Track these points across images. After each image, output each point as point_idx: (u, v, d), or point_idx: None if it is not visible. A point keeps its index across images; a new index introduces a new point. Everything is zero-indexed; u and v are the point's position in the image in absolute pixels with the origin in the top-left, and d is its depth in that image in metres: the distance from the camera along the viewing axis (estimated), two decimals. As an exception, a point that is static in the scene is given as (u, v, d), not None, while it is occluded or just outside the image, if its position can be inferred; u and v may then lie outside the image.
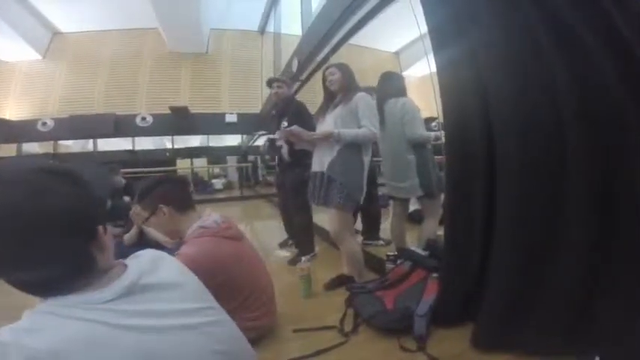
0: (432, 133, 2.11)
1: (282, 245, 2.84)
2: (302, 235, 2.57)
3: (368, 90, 2.18)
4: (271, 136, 2.43)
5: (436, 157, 2.11)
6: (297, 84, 4.72)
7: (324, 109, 1.95)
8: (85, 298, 0.46)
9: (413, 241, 2.15)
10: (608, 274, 1.00)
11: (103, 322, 0.44)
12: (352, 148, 1.76)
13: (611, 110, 0.94)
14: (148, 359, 0.45)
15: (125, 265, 0.55)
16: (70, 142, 9.72)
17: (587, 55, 0.97)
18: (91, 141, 9.62)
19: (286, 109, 2.52)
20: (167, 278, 0.56)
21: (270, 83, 2.61)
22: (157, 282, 0.54)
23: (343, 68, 1.91)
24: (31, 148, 9.33)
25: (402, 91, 2.12)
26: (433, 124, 2.63)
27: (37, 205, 0.44)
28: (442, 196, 2.01)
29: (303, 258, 2.39)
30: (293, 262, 2.42)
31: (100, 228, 0.52)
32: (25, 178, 0.46)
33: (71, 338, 0.42)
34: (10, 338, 0.40)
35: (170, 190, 1.31)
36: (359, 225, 2.76)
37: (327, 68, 1.96)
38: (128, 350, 0.44)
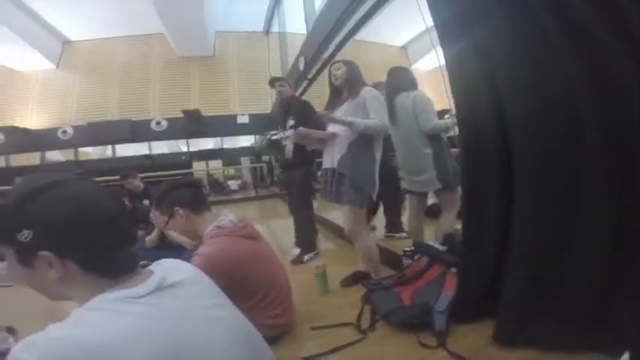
0: (445, 121, 2.07)
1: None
2: (304, 233, 2.62)
3: (378, 84, 2.18)
4: (274, 137, 2.57)
5: (451, 149, 2.07)
6: (305, 82, 4.72)
7: (332, 105, 1.94)
8: (127, 293, 0.50)
9: (430, 236, 2.13)
10: (628, 270, 0.96)
11: (145, 314, 0.48)
12: (362, 143, 1.75)
13: (628, 106, 0.90)
14: (182, 348, 0.48)
15: (150, 270, 0.60)
16: (90, 149, 10.06)
17: (602, 53, 0.92)
18: (109, 147, 9.93)
19: (291, 108, 2.56)
20: (186, 278, 0.60)
21: (272, 83, 2.67)
22: (179, 280, 0.58)
23: (349, 63, 1.90)
24: (54, 156, 9.70)
25: (412, 85, 2.09)
26: (446, 116, 2.59)
27: (117, 206, 0.56)
28: (460, 189, 1.98)
29: (306, 257, 2.48)
30: (296, 261, 2.47)
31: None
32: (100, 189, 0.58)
33: (123, 329, 0.45)
34: (60, 334, 0.44)
35: (184, 192, 1.34)
36: (381, 220, 2.78)
37: (332, 64, 1.96)
38: (166, 340, 0.47)
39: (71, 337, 0.43)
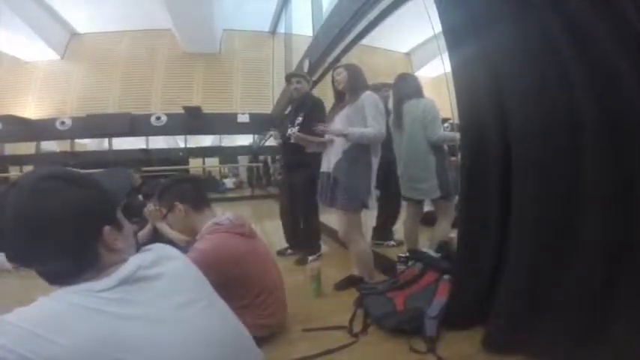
0: (451, 133, 2.09)
1: (281, 254, 2.68)
2: (310, 234, 2.59)
3: (380, 86, 2.19)
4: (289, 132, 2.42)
5: (451, 158, 2.09)
6: (311, 84, 4.73)
7: (335, 110, 1.96)
8: (86, 287, 0.50)
9: (424, 243, 2.13)
10: (625, 277, 0.97)
11: (81, 305, 0.48)
12: (359, 148, 1.75)
13: (630, 110, 0.92)
14: (119, 344, 0.47)
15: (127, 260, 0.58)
16: (86, 141, 9.98)
17: (604, 56, 0.95)
18: (106, 140, 9.86)
19: (302, 105, 2.51)
20: (166, 271, 0.59)
21: (289, 78, 2.60)
22: (154, 275, 0.57)
23: (350, 68, 1.92)
24: (50, 146, 9.61)
25: (420, 92, 2.11)
26: (445, 124, 2.61)
27: (38, 207, 0.50)
28: (456, 198, 2.00)
29: (310, 257, 2.40)
30: (300, 262, 2.44)
31: (107, 229, 0.55)
32: (32, 183, 0.52)
33: (52, 319, 0.46)
34: (7, 317, 0.46)
35: (186, 188, 1.35)
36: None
37: (334, 69, 1.98)
38: (98, 331, 0.46)
39: (9, 321, 0.45)
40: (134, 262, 0.56)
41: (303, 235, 2.63)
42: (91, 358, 0.45)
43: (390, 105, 2.20)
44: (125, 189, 0.69)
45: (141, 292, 0.53)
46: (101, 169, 0.72)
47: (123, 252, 0.58)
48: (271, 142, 9.87)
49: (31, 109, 9.41)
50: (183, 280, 0.61)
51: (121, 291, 0.51)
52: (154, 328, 0.51)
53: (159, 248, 0.65)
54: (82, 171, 0.60)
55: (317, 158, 2.07)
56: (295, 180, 2.52)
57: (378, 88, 2.34)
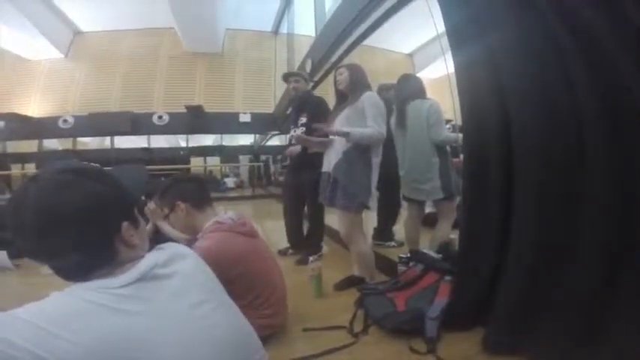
0: (454, 134, 2.09)
1: (282, 253, 2.67)
2: (314, 235, 2.59)
3: (390, 86, 2.19)
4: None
5: (454, 159, 2.10)
6: (311, 84, 4.74)
7: (336, 110, 1.96)
8: (102, 283, 0.50)
9: (425, 244, 2.13)
10: (625, 277, 0.97)
11: (95, 302, 0.47)
12: (359, 149, 1.75)
13: (632, 109, 0.92)
14: (132, 342, 0.47)
15: (142, 258, 0.58)
16: (88, 140, 10.01)
17: (606, 55, 0.95)
18: (108, 138, 9.88)
19: (304, 105, 2.47)
20: (179, 270, 0.59)
21: (286, 78, 2.55)
22: (168, 273, 0.57)
23: (352, 68, 1.91)
24: (52, 144, 9.64)
25: (423, 93, 2.11)
26: (447, 126, 2.61)
27: (59, 200, 0.50)
28: (457, 199, 2.00)
29: (311, 258, 2.37)
30: (301, 262, 2.42)
31: (125, 224, 0.55)
32: (52, 176, 0.52)
33: (62, 316, 0.45)
34: (18, 312, 0.45)
35: (188, 187, 1.35)
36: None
37: (337, 69, 1.98)
38: (111, 328, 0.46)
39: (19, 316, 0.44)
40: (150, 259, 0.56)
41: (309, 235, 2.62)
42: (105, 357, 0.44)
43: None
44: (142, 185, 0.68)
45: (155, 290, 0.53)
46: (108, 168, 0.72)
47: (139, 249, 0.58)
48: (273, 142, 9.93)
49: (34, 108, 9.45)
50: (195, 279, 0.61)
51: (137, 288, 0.51)
52: (165, 327, 0.51)
53: (172, 247, 0.65)
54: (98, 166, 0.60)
55: (322, 158, 1.99)
56: (301, 180, 2.48)
57: (388, 88, 2.35)
